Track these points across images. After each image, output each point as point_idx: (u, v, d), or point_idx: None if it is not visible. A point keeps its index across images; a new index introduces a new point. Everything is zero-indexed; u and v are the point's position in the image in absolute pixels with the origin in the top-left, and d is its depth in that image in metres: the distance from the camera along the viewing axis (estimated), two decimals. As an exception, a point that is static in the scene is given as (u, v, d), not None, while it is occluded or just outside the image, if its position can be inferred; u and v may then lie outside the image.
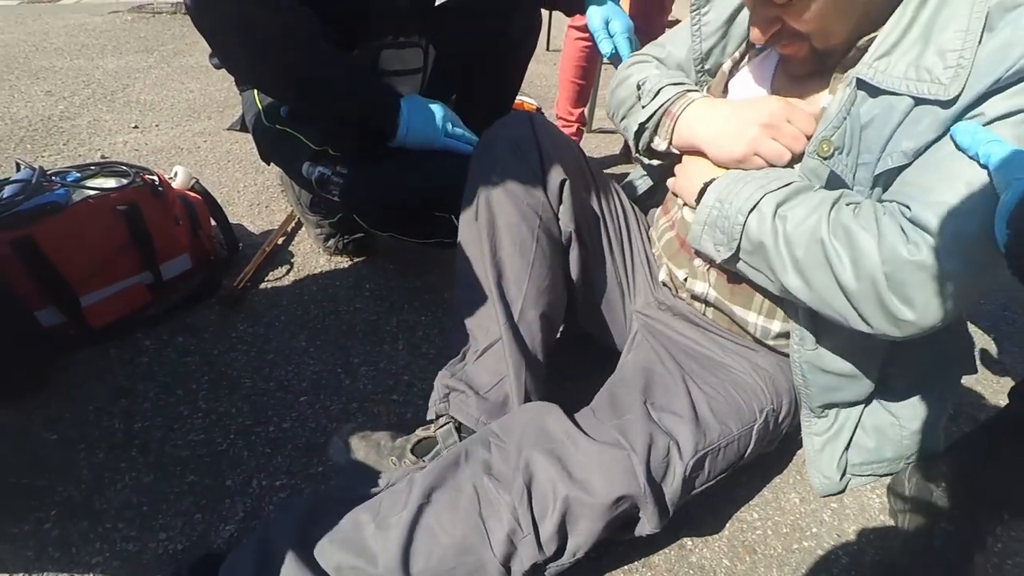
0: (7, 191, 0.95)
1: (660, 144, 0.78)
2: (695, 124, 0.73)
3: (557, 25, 2.53)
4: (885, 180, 0.59)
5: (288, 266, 1.18)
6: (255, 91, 1.04)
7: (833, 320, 0.61)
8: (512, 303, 0.73)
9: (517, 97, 1.70)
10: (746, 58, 0.79)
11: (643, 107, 0.78)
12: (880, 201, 0.59)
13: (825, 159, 0.61)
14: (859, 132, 0.59)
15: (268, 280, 1.14)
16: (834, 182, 0.63)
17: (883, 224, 0.55)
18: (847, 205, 0.59)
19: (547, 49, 2.87)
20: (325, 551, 0.59)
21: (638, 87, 0.80)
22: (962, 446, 0.76)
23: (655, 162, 0.84)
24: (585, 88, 1.69)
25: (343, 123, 0.95)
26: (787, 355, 0.75)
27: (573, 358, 0.94)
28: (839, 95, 0.60)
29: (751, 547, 0.74)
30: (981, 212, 0.50)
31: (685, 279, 0.78)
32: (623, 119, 0.84)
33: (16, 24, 2.69)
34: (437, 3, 1.01)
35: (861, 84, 0.58)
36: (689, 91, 0.76)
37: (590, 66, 1.65)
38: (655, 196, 0.94)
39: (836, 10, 0.58)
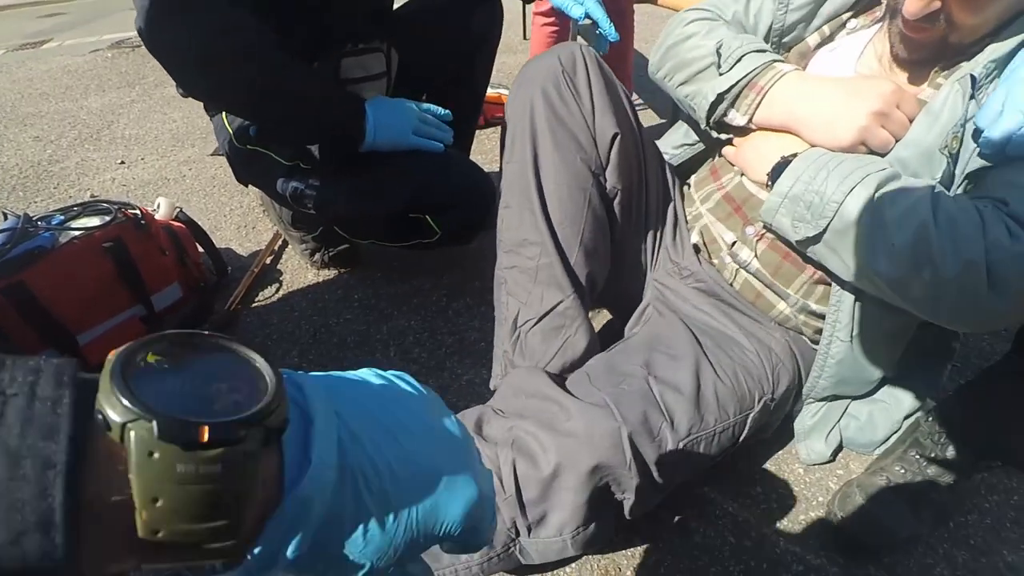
0: (-6, 242, 0.97)
1: (738, 119, 0.72)
2: (792, 102, 0.67)
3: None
4: (976, 177, 0.59)
5: (277, 284, 1.18)
6: (223, 115, 1.04)
7: (908, 308, 0.60)
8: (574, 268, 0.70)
9: (496, 89, 1.69)
10: (834, 37, 0.75)
11: (721, 74, 0.71)
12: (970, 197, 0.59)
13: (951, 155, 0.60)
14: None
15: (259, 300, 1.15)
16: (927, 174, 0.61)
17: (986, 215, 0.55)
18: (946, 194, 0.58)
19: (524, 38, 2.84)
20: None
21: (717, 52, 0.71)
22: (960, 395, 0.75)
23: (723, 136, 0.76)
24: (560, 72, 1.66)
25: (311, 136, 0.94)
26: (803, 335, 0.73)
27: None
28: (948, 89, 0.59)
29: (756, 522, 0.73)
30: None
31: (733, 243, 0.75)
32: (685, 83, 0.76)
33: (1, 74, 2.73)
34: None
35: (974, 82, 0.58)
36: (776, 61, 0.70)
37: (562, 50, 1.62)
38: (692, 168, 0.88)
39: (1007, 9, 0.58)
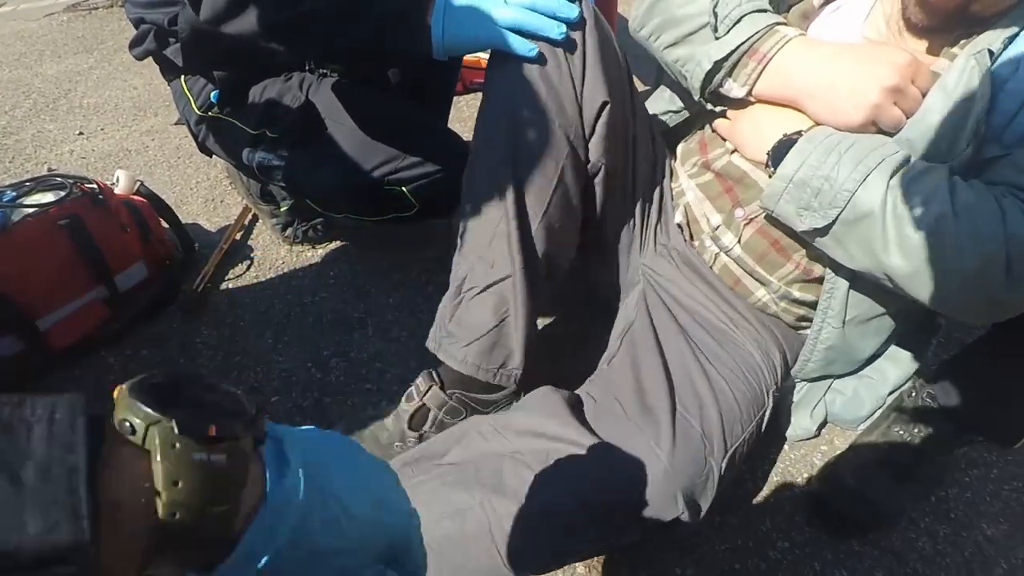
0: (-62, 220, 0.90)
1: (735, 91, 0.64)
2: (795, 73, 0.60)
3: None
4: (988, 162, 0.56)
5: (248, 261, 1.13)
6: (182, 79, 0.97)
7: (917, 299, 0.56)
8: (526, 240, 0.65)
9: (474, 54, 1.61)
10: None
11: (717, 38, 0.63)
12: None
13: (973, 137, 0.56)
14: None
15: (228, 279, 1.10)
16: (934, 156, 0.57)
17: (1006, 204, 0.52)
18: (962, 182, 0.55)
19: None
20: None
21: (714, 12, 0.63)
22: (942, 371, 0.75)
23: (718, 108, 0.68)
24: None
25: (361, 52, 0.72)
26: (782, 320, 0.71)
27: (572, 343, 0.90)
28: (963, 63, 0.55)
29: (742, 500, 0.73)
30: None
31: (717, 227, 0.71)
32: (674, 45, 0.67)
33: (-51, 39, 2.55)
34: None
35: (991, 56, 0.54)
36: (779, 24, 0.62)
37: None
38: (678, 137, 0.82)
39: None
